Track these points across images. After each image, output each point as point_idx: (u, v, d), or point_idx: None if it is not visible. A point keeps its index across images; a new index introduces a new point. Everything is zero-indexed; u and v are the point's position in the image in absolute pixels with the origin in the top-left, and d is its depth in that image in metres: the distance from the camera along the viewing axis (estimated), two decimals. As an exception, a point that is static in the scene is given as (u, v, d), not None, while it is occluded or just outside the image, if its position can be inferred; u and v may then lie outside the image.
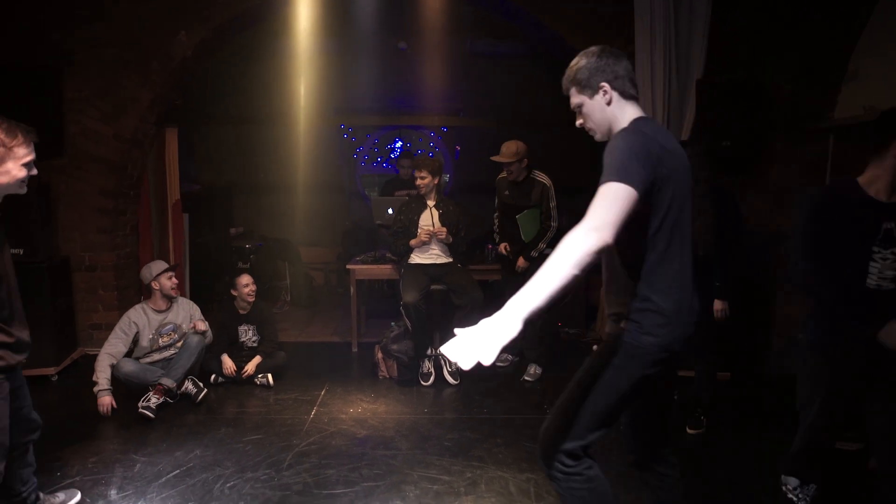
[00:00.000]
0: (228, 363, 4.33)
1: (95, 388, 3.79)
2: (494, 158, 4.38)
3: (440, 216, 4.51)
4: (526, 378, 4.45)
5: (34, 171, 2.26)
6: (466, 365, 1.53)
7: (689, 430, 3.63)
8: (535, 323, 4.35)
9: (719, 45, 4.41)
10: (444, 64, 6.87)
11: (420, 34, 6.82)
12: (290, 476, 3.11)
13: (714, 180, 3.44)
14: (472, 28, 6.83)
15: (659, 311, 1.86)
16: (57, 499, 2.75)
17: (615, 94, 1.90)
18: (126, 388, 3.95)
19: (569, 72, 1.97)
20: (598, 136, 2.00)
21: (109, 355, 3.91)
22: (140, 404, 3.78)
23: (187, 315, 4.29)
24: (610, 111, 1.92)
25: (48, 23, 4.70)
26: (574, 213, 4.42)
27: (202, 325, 4.24)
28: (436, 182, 4.55)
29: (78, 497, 2.79)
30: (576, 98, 1.97)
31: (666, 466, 2.20)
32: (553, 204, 4.41)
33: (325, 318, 6.45)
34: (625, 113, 1.91)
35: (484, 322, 1.56)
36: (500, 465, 3.23)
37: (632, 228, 1.70)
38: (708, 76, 4.41)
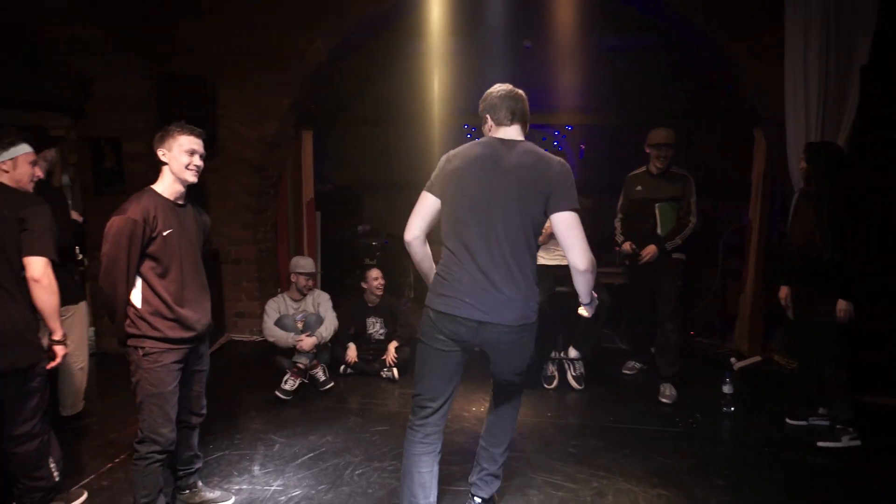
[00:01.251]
0: (352, 353, 4.53)
1: (293, 341, 4.26)
2: (654, 140, 4.16)
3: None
4: (662, 400, 4.10)
5: (198, 162, 2.52)
6: None
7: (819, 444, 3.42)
8: (671, 338, 4.12)
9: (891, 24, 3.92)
10: (570, 61, 6.70)
11: (546, 32, 6.71)
12: (416, 469, 3.17)
13: (835, 181, 3.32)
14: (600, 23, 6.61)
15: None
16: (213, 494, 2.86)
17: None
18: (271, 369, 4.32)
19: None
20: None
21: (272, 327, 4.41)
22: (279, 388, 4.08)
23: (317, 303, 4.63)
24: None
25: (203, 35, 5.16)
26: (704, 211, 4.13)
27: (308, 344, 4.26)
28: None
29: (231, 501, 2.87)
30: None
31: None
32: (694, 199, 4.19)
33: (446, 315, 6.52)
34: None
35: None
36: (627, 477, 3.10)
37: None
38: (876, 61, 3.94)
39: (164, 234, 2.44)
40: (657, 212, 4.20)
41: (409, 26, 5.93)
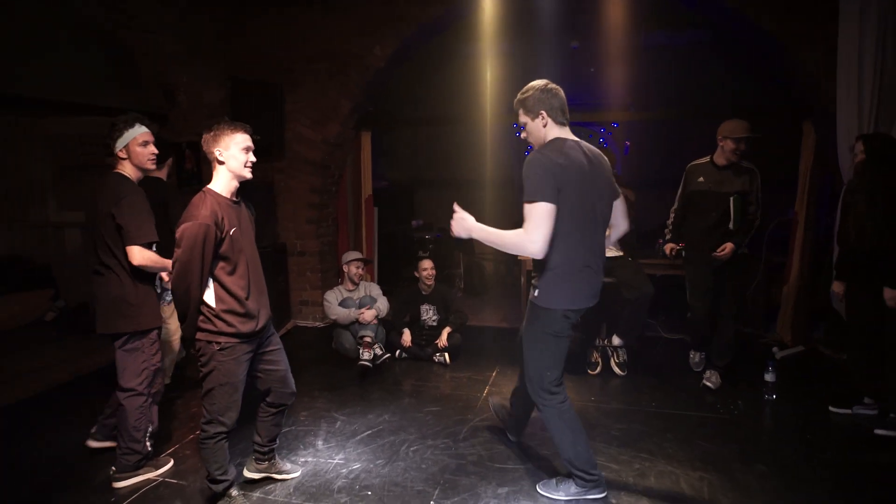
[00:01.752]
0: (406, 337, 4.71)
1: (356, 314, 4.66)
2: (737, 133, 3.79)
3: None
4: (707, 384, 4.06)
5: (253, 158, 2.53)
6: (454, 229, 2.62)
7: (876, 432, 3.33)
8: (731, 331, 4.05)
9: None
10: (615, 60, 6.66)
11: (593, 32, 6.67)
12: (466, 447, 3.28)
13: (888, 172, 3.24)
14: (647, 20, 6.51)
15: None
16: (286, 465, 3.00)
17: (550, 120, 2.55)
18: (333, 353, 4.62)
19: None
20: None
21: (332, 307, 4.76)
22: (359, 359, 4.42)
23: (367, 291, 4.90)
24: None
25: (272, 43, 5.38)
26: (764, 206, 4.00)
27: (369, 316, 4.68)
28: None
29: (299, 473, 2.99)
30: (521, 118, 2.60)
31: None
32: (760, 194, 3.94)
33: (496, 305, 6.62)
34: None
35: (465, 218, 2.60)
36: (670, 459, 3.11)
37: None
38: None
39: (231, 232, 2.44)
40: (731, 205, 3.88)
41: (461, 30, 6.00)
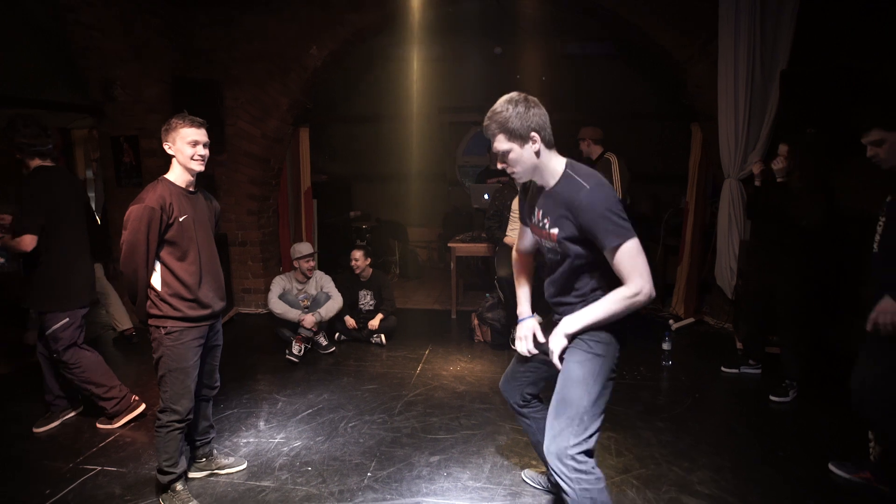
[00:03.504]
0: (350, 320, 4.53)
1: (297, 317, 4.21)
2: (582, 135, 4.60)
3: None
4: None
5: (202, 151, 2.33)
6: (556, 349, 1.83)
7: (772, 398, 3.41)
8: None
9: (806, 35, 3.95)
10: (534, 65, 6.72)
11: (514, 40, 6.67)
12: (401, 421, 3.19)
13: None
14: (563, 33, 6.58)
15: None
16: (227, 460, 2.74)
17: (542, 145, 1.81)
18: (275, 338, 4.29)
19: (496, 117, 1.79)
20: (521, 179, 1.89)
21: (277, 301, 4.28)
22: (287, 352, 4.10)
23: (319, 285, 4.53)
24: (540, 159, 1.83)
25: (213, 44, 5.04)
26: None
27: (309, 322, 4.23)
28: None
29: (244, 466, 2.74)
30: (503, 145, 1.81)
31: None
32: (617, 177, 4.40)
33: (429, 288, 6.54)
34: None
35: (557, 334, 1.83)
36: (582, 423, 3.13)
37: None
38: (794, 66, 3.97)
39: (181, 219, 2.31)
40: None
41: (394, 35, 5.84)
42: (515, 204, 4.42)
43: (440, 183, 7.89)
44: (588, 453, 1.78)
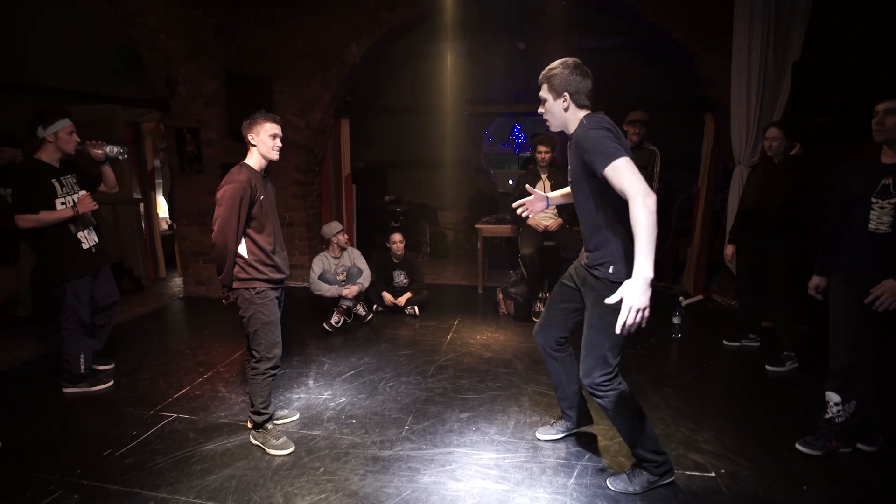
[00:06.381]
0: (388, 297, 4.64)
1: (339, 292, 4.31)
2: (631, 118, 4.40)
3: (552, 185, 4.43)
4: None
5: (279, 143, 2.49)
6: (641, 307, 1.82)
7: (768, 368, 3.41)
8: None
9: (819, 27, 3.83)
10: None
11: (536, 35, 6.59)
12: (434, 382, 3.31)
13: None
14: (580, 28, 6.47)
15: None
16: (283, 412, 2.87)
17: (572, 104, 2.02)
18: (318, 309, 4.41)
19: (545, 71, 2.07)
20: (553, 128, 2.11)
21: (317, 282, 4.38)
22: (325, 323, 4.22)
23: (352, 259, 4.62)
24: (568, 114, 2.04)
25: (262, 42, 5.14)
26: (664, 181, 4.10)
27: (353, 292, 4.34)
28: (552, 156, 4.49)
29: (297, 417, 2.87)
30: (544, 94, 2.07)
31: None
32: (658, 169, 4.32)
33: (456, 266, 6.62)
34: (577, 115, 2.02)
35: (628, 285, 1.79)
36: (597, 387, 3.20)
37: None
38: (805, 58, 3.87)
39: (261, 198, 2.46)
40: None
41: (426, 32, 5.85)
42: (537, 188, 4.46)
43: (467, 169, 7.93)
44: (614, 377, 2.13)
